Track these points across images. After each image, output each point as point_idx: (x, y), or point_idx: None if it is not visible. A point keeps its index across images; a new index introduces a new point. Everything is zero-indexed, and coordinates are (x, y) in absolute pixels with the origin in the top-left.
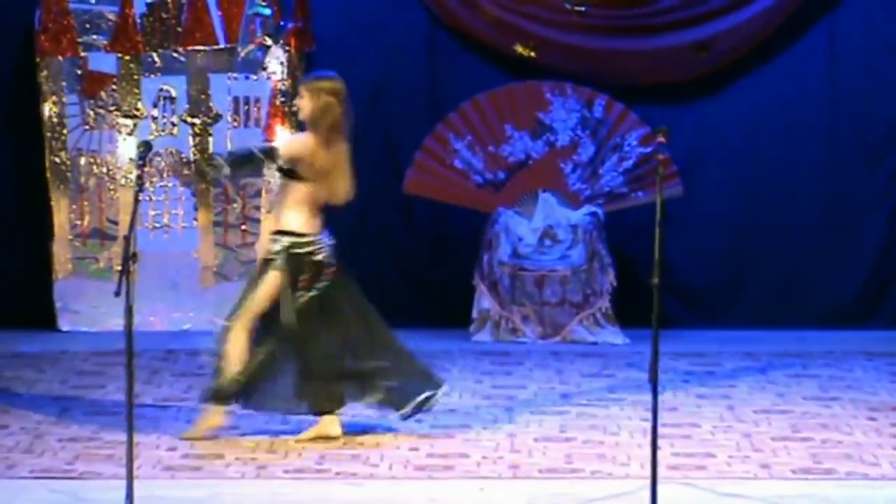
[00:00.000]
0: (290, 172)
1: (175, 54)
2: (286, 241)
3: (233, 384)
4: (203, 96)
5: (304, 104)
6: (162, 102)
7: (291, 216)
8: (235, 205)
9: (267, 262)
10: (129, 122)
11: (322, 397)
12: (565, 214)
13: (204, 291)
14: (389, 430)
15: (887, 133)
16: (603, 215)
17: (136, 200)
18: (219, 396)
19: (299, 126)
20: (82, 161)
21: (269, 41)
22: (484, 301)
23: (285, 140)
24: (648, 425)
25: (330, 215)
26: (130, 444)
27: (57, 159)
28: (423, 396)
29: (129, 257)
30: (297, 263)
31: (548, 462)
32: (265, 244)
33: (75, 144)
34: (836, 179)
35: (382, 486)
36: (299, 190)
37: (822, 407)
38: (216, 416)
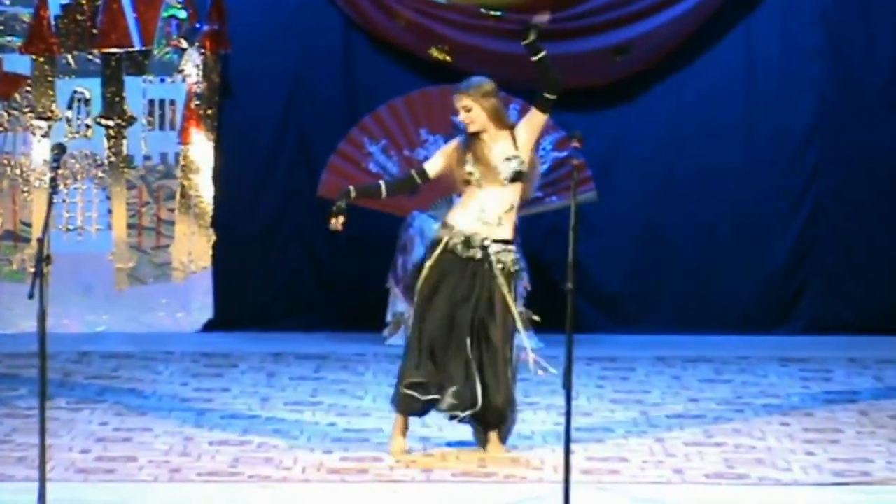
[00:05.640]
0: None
1: (90, 56)
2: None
3: None
4: (118, 99)
5: (478, 112)
6: (76, 104)
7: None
8: (150, 207)
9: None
10: (44, 123)
11: None
12: None
13: (118, 294)
14: (301, 433)
15: (802, 139)
16: (518, 220)
17: (50, 202)
18: None
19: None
20: None
21: (184, 43)
22: (398, 304)
23: (524, 144)
24: (562, 429)
25: (244, 218)
26: (43, 447)
27: None
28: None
29: (42, 259)
30: None
31: (461, 466)
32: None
33: None
34: (750, 185)
35: (295, 490)
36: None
37: (734, 412)
38: None
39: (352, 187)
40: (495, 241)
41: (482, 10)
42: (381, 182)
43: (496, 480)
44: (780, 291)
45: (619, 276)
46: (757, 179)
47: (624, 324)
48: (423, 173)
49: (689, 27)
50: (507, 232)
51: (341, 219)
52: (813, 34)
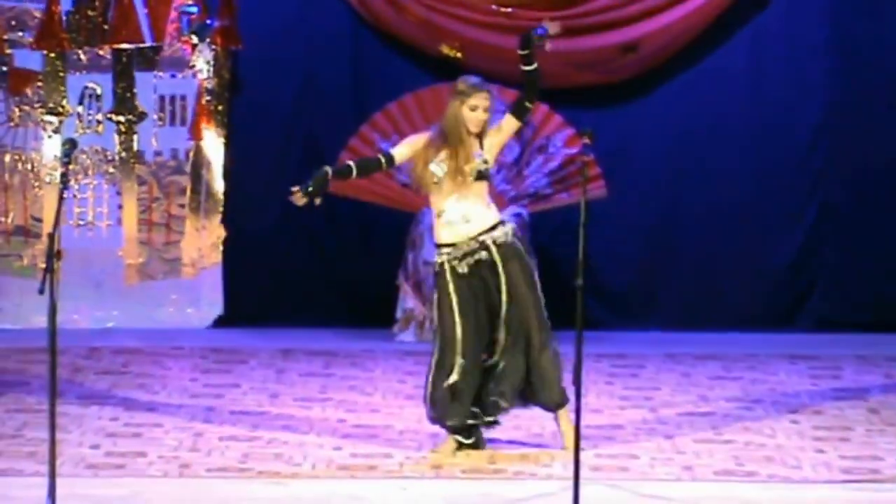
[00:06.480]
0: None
1: (101, 52)
2: None
3: None
4: (129, 94)
5: (488, 115)
6: (87, 100)
7: None
8: (160, 203)
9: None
10: (55, 119)
11: None
12: None
13: (128, 289)
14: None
15: (809, 137)
16: (527, 216)
17: (61, 198)
18: None
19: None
20: (7, 158)
21: (195, 39)
22: (408, 301)
23: (492, 147)
24: (571, 426)
25: (254, 213)
26: (53, 442)
27: None
28: None
29: (53, 255)
30: None
31: (471, 462)
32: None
33: None
34: (758, 182)
35: (305, 486)
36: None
37: (744, 409)
38: None
39: (328, 168)
40: (488, 231)
41: (493, 6)
42: (351, 162)
43: (505, 477)
44: (789, 289)
45: (627, 273)
46: (765, 177)
47: (633, 321)
48: (390, 158)
49: (699, 25)
50: (494, 217)
51: (302, 200)
52: (820, 33)
